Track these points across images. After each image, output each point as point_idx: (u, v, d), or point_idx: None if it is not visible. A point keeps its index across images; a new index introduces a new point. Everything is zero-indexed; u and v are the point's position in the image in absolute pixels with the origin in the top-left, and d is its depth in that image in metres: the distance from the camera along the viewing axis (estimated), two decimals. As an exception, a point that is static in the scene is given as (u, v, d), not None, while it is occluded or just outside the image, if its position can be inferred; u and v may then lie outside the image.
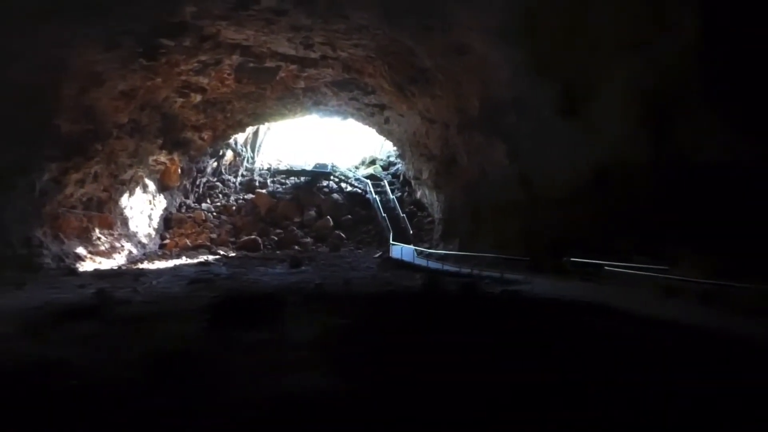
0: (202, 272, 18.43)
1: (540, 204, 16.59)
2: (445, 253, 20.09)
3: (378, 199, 33.60)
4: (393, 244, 24.50)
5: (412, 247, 23.49)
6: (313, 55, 23.60)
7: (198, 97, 25.95)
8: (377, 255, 25.74)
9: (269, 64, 24.50)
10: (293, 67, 24.91)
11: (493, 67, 17.37)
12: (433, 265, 18.71)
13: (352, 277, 16.31)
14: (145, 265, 22.06)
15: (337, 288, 12.39)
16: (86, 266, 19.96)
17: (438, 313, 7.30)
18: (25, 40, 15.41)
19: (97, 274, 17.91)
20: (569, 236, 15.29)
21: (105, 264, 21.29)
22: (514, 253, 16.59)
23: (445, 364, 5.14)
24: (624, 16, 11.06)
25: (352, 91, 27.29)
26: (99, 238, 22.52)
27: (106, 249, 22.49)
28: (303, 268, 20.63)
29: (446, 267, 17.71)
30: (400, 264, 21.09)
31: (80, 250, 20.92)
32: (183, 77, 23.65)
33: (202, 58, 22.47)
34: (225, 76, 25.00)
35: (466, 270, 15.98)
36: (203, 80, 24.65)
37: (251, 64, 24.27)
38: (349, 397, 4.41)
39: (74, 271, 18.36)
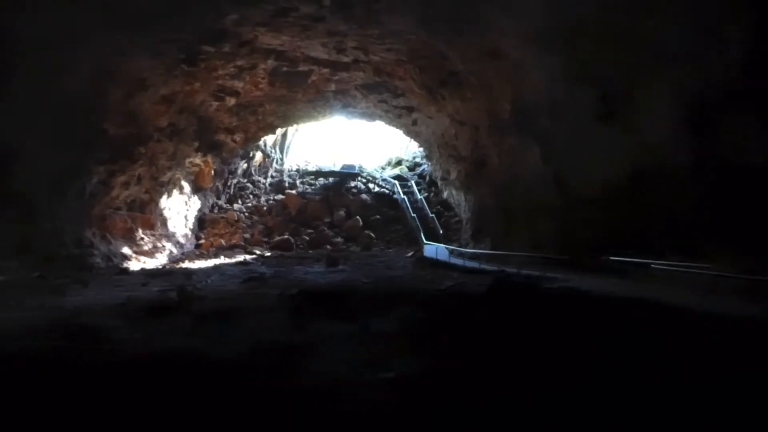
0: (247, 271, 19.04)
1: (575, 204, 16.83)
2: (482, 252, 20.32)
3: (406, 199, 34.11)
4: (427, 244, 24.98)
5: (445, 245, 23.89)
6: (345, 59, 24.02)
7: (232, 101, 26.61)
8: (409, 254, 26.19)
9: (302, 68, 24.99)
10: (325, 70, 25.35)
11: (527, 71, 17.62)
12: (469, 264, 19.05)
13: (393, 276, 16.82)
14: (187, 265, 22.81)
15: (388, 286, 12.91)
16: (132, 265, 20.76)
17: (506, 306, 7.80)
18: (82, 49, 16.10)
19: (149, 272, 18.62)
20: (605, 235, 15.55)
21: (149, 263, 22.11)
22: (548, 252, 16.92)
23: (528, 351, 5.62)
24: (672, 31, 11.37)
25: (382, 94, 27.70)
26: (142, 239, 23.35)
27: (149, 249, 23.31)
28: (340, 267, 21.14)
29: (483, 266, 18.02)
30: (435, 263, 21.52)
31: (126, 250, 21.75)
32: (219, 81, 24.31)
33: (239, 63, 23.08)
34: (259, 80, 25.57)
35: (506, 269, 16.25)
36: (238, 84, 25.28)
37: (284, 68, 24.79)
38: (447, 377, 4.91)
39: (126, 270, 19.13)
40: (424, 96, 25.09)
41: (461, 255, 21.43)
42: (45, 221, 17.52)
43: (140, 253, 22.61)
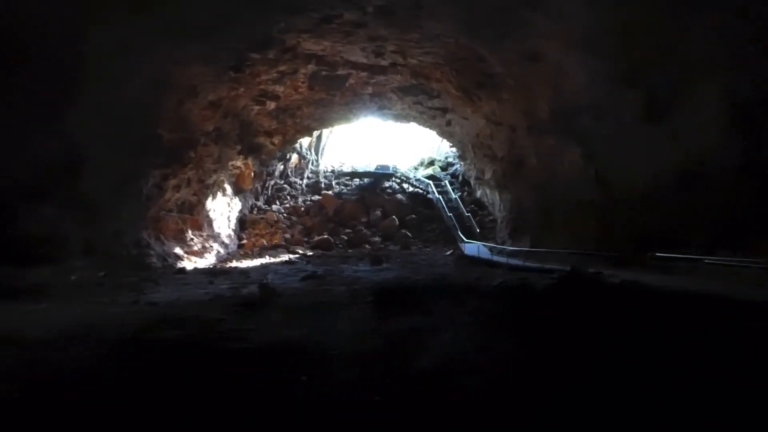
0: (297, 270, 19.73)
1: (618, 203, 17.08)
2: (527, 250, 20.58)
3: (441, 198, 34.63)
4: (466, 242, 25.46)
5: (485, 244, 24.33)
6: (383, 63, 24.46)
7: (272, 105, 27.38)
8: (448, 253, 26.70)
9: (341, 71, 25.59)
10: (363, 74, 25.90)
11: (568, 73, 17.82)
12: (512, 261, 19.44)
13: (441, 273, 17.33)
14: (235, 264, 23.68)
15: (442, 282, 13.42)
16: (185, 265, 21.62)
17: (576, 298, 8.29)
18: (143, 58, 16.90)
19: (207, 272, 19.44)
20: (649, 233, 15.83)
21: (199, 263, 23.00)
22: (590, 250, 17.24)
23: (625, 338, 6.08)
24: (723, 38, 11.69)
25: (417, 96, 28.23)
26: (192, 239, 24.27)
27: (198, 249, 24.23)
28: (385, 265, 21.74)
29: (527, 264, 18.39)
30: (477, 260, 21.96)
31: (178, 250, 22.66)
32: (261, 86, 25.06)
33: (281, 68, 23.76)
34: (299, 84, 26.28)
35: (553, 266, 16.53)
36: (279, 89, 26.00)
37: (324, 73, 25.44)
38: (557, 360, 5.40)
39: (183, 270, 19.98)
40: (459, 97, 25.48)
41: (501, 253, 21.81)
42: (108, 223, 18.42)
43: (191, 253, 23.52)
